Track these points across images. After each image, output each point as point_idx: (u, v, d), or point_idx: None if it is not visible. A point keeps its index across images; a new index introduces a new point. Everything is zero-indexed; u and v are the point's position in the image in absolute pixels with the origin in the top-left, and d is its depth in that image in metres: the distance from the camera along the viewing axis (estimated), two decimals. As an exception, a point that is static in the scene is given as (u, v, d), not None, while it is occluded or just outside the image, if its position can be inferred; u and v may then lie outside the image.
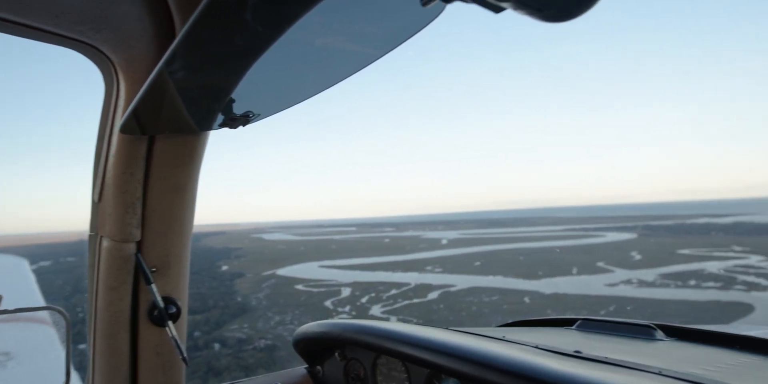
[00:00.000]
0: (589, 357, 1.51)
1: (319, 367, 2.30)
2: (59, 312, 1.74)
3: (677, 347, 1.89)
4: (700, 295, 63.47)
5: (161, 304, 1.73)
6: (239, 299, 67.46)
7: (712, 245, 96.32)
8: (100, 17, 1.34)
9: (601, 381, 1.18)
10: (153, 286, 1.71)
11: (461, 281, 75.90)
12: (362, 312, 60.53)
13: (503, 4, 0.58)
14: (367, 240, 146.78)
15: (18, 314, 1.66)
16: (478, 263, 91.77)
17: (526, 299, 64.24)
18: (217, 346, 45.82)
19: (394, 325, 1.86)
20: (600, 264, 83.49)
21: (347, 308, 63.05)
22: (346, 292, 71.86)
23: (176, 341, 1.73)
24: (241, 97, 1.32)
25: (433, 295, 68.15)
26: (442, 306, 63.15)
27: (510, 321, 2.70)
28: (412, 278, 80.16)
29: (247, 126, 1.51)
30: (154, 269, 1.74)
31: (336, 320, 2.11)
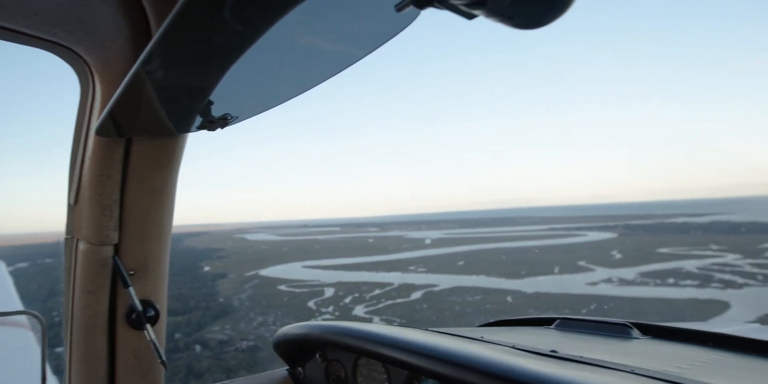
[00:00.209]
0: (565, 356, 1.52)
1: (300, 369, 2.29)
2: (34, 316, 1.72)
3: (652, 345, 1.93)
4: (678, 293, 64.56)
5: (139, 307, 1.72)
6: (221, 300, 66.80)
7: (690, 244, 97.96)
8: (74, 18, 1.32)
9: (575, 380, 1.19)
10: (131, 289, 1.70)
11: (444, 281, 76.11)
12: (345, 312, 60.39)
13: (475, 12, 0.59)
14: (351, 240, 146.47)
15: None
16: (461, 263, 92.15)
17: (509, 298, 64.69)
18: (198, 347, 45.25)
19: (374, 327, 1.86)
20: (581, 263, 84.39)
21: (330, 308, 62.85)
22: (329, 292, 71.61)
23: (155, 344, 1.73)
24: (219, 99, 1.31)
25: (416, 294, 68.25)
26: (425, 306, 63.29)
27: (491, 320, 2.71)
28: (396, 278, 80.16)
29: (228, 128, 1.50)
30: (131, 272, 1.73)
31: (316, 322, 2.10)
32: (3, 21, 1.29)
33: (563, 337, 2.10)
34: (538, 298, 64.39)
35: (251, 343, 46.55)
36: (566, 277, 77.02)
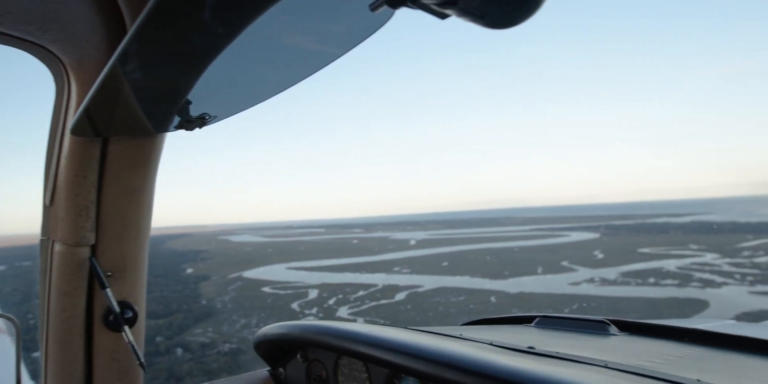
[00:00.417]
0: (542, 352, 1.54)
1: (281, 369, 2.28)
2: (9, 319, 1.70)
3: (629, 341, 1.96)
4: (658, 293, 65.51)
5: (117, 308, 1.70)
6: (204, 302, 66.16)
7: (671, 244, 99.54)
8: (47, 17, 1.31)
9: (549, 375, 1.20)
10: (108, 290, 1.68)
11: (429, 282, 76.31)
12: (329, 314, 60.21)
13: (447, 11, 0.59)
14: (335, 241, 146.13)
15: None
16: (445, 263, 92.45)
17: (493, 299, 65.06)
18: (179, 351, 44.74)
19: (355, 326, 1.86)
20: (564, 263, 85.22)
21: (314, 310, 62.61)
22: (313, 293, 71.34)
23: (133, 346, 1.71)
24: (196, 98, 1.30)
25: (400, 295, 68.32)
26: (409, 307, 63.37)
27: (472, 320, 2.72)
28: (380, 279, 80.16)
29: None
30: (109, 273, 1.71)
31: (296, 322, 2.09)
32: None
33: (542, 335, 2.12)
34: (522, 298, 64.87)
35: (234, 346, 46.17)
36: (549, 277, 77.72)
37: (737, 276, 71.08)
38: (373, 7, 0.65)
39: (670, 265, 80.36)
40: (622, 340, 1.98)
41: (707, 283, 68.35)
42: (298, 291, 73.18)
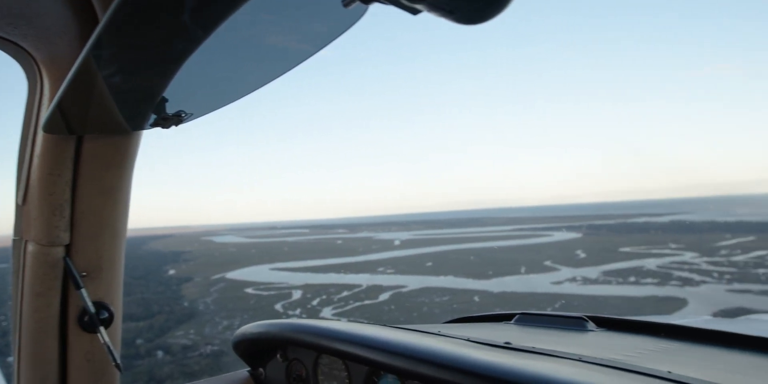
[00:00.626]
0: (518, 347, 1.55)
1: (261, 370, 2.26)
2: None
3: (605, 337, 2.00)
4: (639, 291, 66.43)
5: (92, 309, 1.68)
6: (186, 304, 65.47)
7: (651, 243, 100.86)
8: (19, 13, 1.29)
9: (523, 368, 1.22)
10: (83, 290, 1.65)
11: (413, 282, 76.34)
12: (313, 314, 59.97)
13: (417, 6, 0.60)
14: (320, 241, 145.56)
15: None
16: (429, 263, 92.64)
17: (476, 298, 65.37)
18: (160, 353, 44.15)
19: (333, 324, 1.85)
20: (547, 263, 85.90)
21: (298, 311, 62.34)
22: (297, 294, 70.99)
23: (109, 347, 1.68)
24: (173, 96, 1.28)
25: (384, 296, 68.29)
26: (393, 307, 63.38)
27: (454, 318, 2.73)
28: (364, 280, 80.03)
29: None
30: (84, 274, 1.69)
31: (275, 320, 2.07)
32: None
33: (520, 331, 2.15)
34: (505, 297, 65.26)
35: (216, 348, 45.69)
36: (532, 276, 78.33)
37: (715, 274, 72.36)
38: (346, 3, 0.65)
39: (651, 263, 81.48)
40: (598, 336, 2.01)
41: (686, 282, 69.46)
42: (282, 292, 72.75)
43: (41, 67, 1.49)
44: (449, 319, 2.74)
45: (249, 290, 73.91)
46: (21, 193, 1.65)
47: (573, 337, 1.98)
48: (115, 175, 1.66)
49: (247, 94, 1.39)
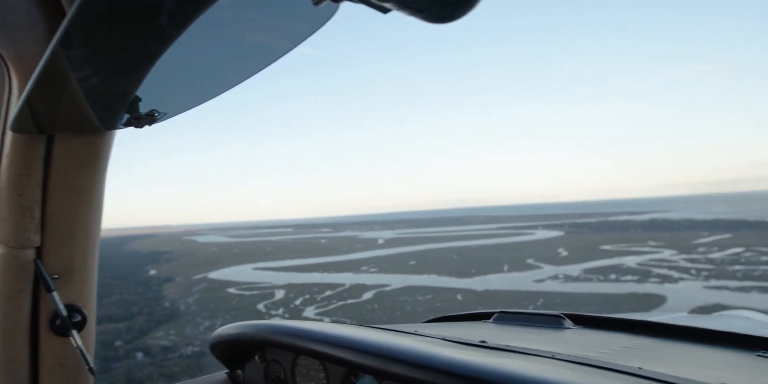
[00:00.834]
0: (493, 346, 1.57)
1: (239, 371, 2.23)
2: None
3: (582, 334, 2.03)
4: (619, 288, 67.47)
5: (64, 312, 1.64)
6: (167, 305, 65.05)
7: (631, 241, 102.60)
8: None
9: (495, 366, 1.23)
10: (55, 293, 1.62)
11: (396, 281, 76.73)
12: (296, 314, 59.96)
13: (386, 5, 0.61)
14: (303, 241, 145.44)
15: None
16: (413, 262, 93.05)
17: (459, 297, 65.83)
18: (139, 355, 43.81)
19: (310, 324, 1.82)
20: (529, 261, 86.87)
21: (281, 311, 62.24)
22: (279, 294, 70.91)
23: (82, 351, 1.64)
24: (146, 95, 1.28)
25: (367, 295, 68.51)
26: (376, 306, 63.60)
27: (434, 317, 2.75)
28: (348, 279, 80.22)
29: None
30: (56, 276, 1.65)
31: (252, 321, 2.03)
32: None
33: (498, 329, 2.16)
34: (487, 296, 65.83)
35: (197, 349, 45.44)
36: (515, 274, 79.14)
37: (693, 271, 73.79)
38: (316, 1, 0.66)
39: (630, 261, 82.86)
40: (575, 333, 2.04)
41: (665, 279, 70.73)
42: (265, 292, 72.65)
43: (8, 64, 1.46)
44: (431, 317, 2.76)
45: (231, 290, 73.66)
46: None
47: (549, 335, 2.00)
48: (87, 175, 1.63)
49: (220, 94, 1.38)
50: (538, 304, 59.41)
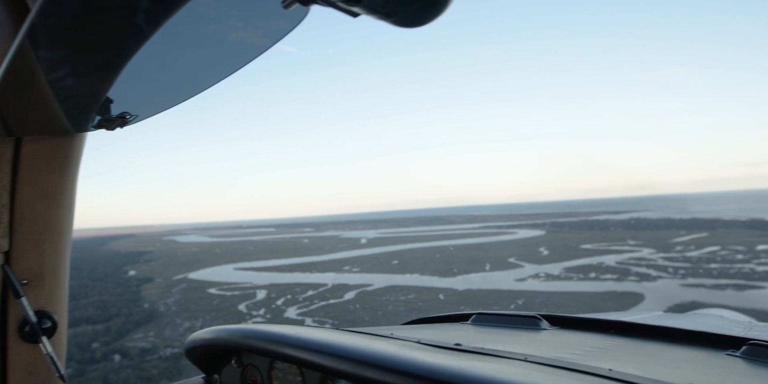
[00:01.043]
0: (467, 349, 1.59)
1: (216, 376, 2.21)
2: None
3: (557, 335, 2.05)
4: (598, 287, 68.17)
5: (33, 318, 1.62)
6: (146, 306, 64.08)
7: (611, 240, 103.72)
8: None
9: (465, 370, 1.23)
10: (23, 299, 1.61)
11: (379, 280, 76.60)
12: (277, 314, 59.52)
13: (355, 9, 0.61)
14: (286, 240, 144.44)
15: None
16: (395, 262, 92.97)
17: (441, 296, 65.94)
18: (117, 357, 43.10)
19: (285, 329, 1.80)
20: (511, 260, 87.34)
21: (262, 311, 61.73)
22: (261, 294, 70.29)
23: (52, 358, 1.64)
24: (117, 96, 1.26)
25: (350, 295, 68.26)
26: (358, 306, 63.42)
27: (414, 319, 2.76)
28: (330, 279, 79.84)
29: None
30: (25, 282, 1.64)
31: (227, 326, 2.02)
32: None
33: (475, 331, 2.17)
34: (469, 295, 66.02)
35: (176, 351, 44.85)
36: (497, 273, 79.51)
37: (670, 269, 74.88)
38: (286, 5, 0.66)
39: (610, 260, 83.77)
40: (550, 334, 2.07)
41: (643, 277, 71.65)
42: (246, 292, 71.99)
43: None
44: (413, 317, 2.77)
45: (212, 290, 72.86)
46: None
47: (525, 336, 2.02)
48: (57, 178, 1.59)
49: (192, 96, 1.35)
50: (519, 303, 59.77)
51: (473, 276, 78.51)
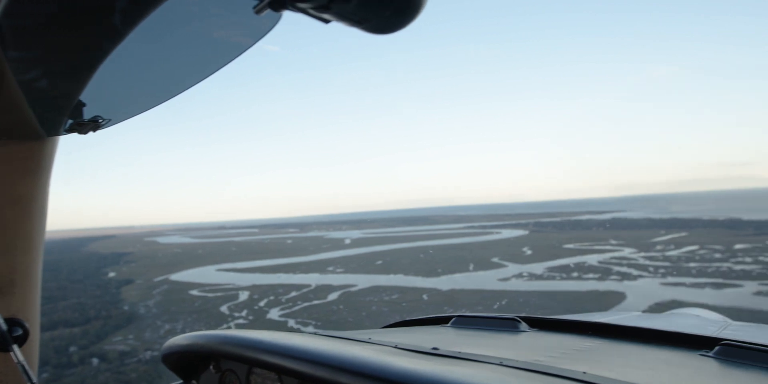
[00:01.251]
0: (443, 353, 1.62)
1: (194, 382, 2.16)
2: None
3: (536, 337, 2.07)
4: (581, 286, 68.78)
5: (4, 326, 1.59)
6: (126, 308, 63.21)
7: (593, 239, 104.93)
8: None
9: (440, 375, 1.23)
10: None
11: (362, 281, 76.49)
12: (260, 316, 59.06)
13: (326, 16, 0.61)
14: (269, 241, 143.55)
15: None
16: (380, 262, 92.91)
17: (425, 296, 65.96)
18: (95, 360, 42.38)
19: (262, 334, 1.78)
20: (495, 259, 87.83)
21: (244, 313, 61.19)
22: (243, 295, 69.71)
23: (23, 366, 1.59)
24: (89, 100, 1.25)
25: (333, 295, 68.00)
26: (341, 306, 63.19)
27: (395, 321, 2.77)
28: (313, 279, 79.51)
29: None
30: None
31: (204, 332, 1.98)
32: None
33: (454, 334, 2.19)
34: (453, 295, 66.17)
35: (156, 354, 44.15)
36: (480, 273, 79.88)
37: (651, 269, 75.88)
38: (257, 10, 0.66)
39: (592, 259, 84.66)
40: (529, 337, 2.07)
41: (625, 276, 72.48)
42: (228, 293, 71.39)
43: None
44: (398, 318, 2.77)
45: (194, 292, 72.12)
46: None
47: (504, 339, 2.02)
48: (28, 183, 1.55)
49: (168, 100, 1.32)
50: (503, 303, 60.03)
51: (457, 276, 78.74)
